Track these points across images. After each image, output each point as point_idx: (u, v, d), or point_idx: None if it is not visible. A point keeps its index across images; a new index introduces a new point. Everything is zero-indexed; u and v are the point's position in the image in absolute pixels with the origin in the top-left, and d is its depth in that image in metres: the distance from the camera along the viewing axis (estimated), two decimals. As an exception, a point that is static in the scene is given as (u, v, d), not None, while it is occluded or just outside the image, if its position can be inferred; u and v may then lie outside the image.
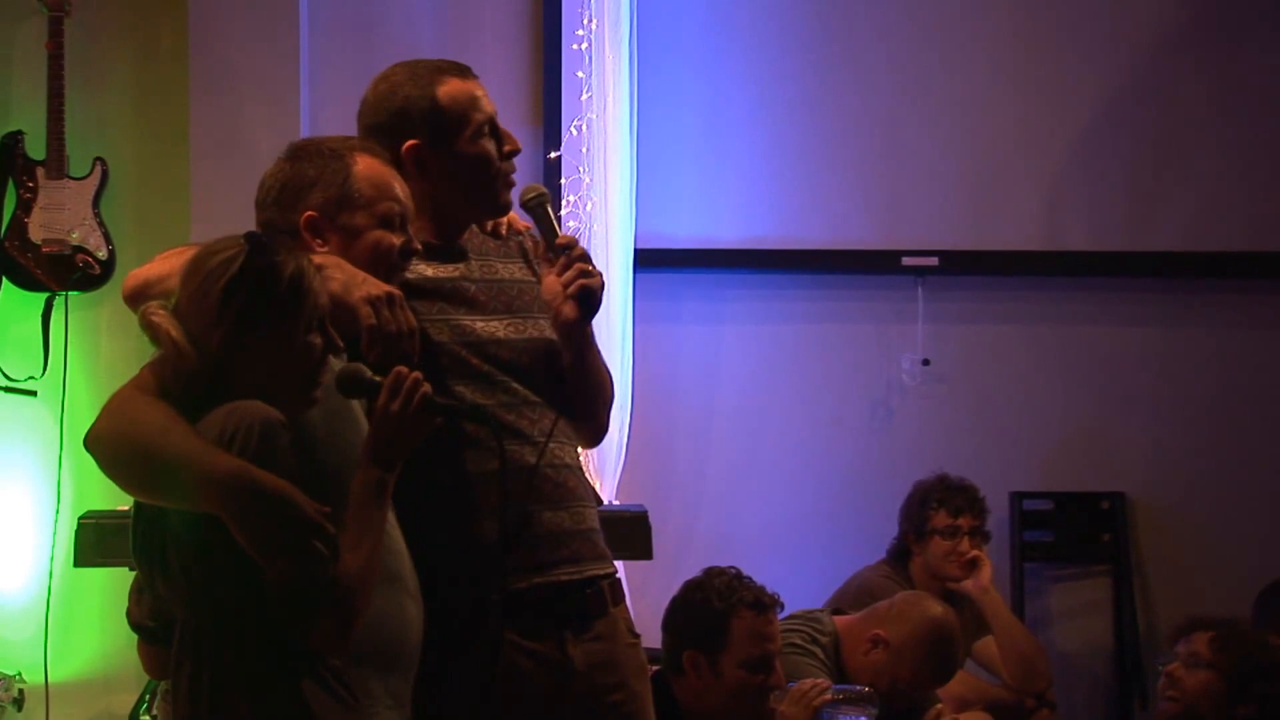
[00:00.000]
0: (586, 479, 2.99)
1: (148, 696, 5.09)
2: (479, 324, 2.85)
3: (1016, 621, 5.14)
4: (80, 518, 4.93)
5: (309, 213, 2.65)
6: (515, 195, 3.01)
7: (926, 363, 5.74)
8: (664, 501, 5.23)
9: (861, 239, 5.81)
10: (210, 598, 2.35)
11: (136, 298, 2.67)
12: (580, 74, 5.39)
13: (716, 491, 5.67)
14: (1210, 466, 5.84)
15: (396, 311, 2.58)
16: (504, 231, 3.01)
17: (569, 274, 2.87)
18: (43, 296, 5.48)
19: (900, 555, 5.13)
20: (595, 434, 3.04)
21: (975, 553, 5.01)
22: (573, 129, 5.36)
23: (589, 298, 2.88)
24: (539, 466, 2.83)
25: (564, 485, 2.87)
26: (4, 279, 5.49)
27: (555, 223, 2.95)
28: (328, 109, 5.66)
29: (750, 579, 3.88)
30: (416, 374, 2.48)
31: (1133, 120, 5.83)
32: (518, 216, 3.05)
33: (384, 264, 2.67)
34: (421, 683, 2.62)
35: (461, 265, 2.90)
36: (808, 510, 5.72)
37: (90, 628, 5.60)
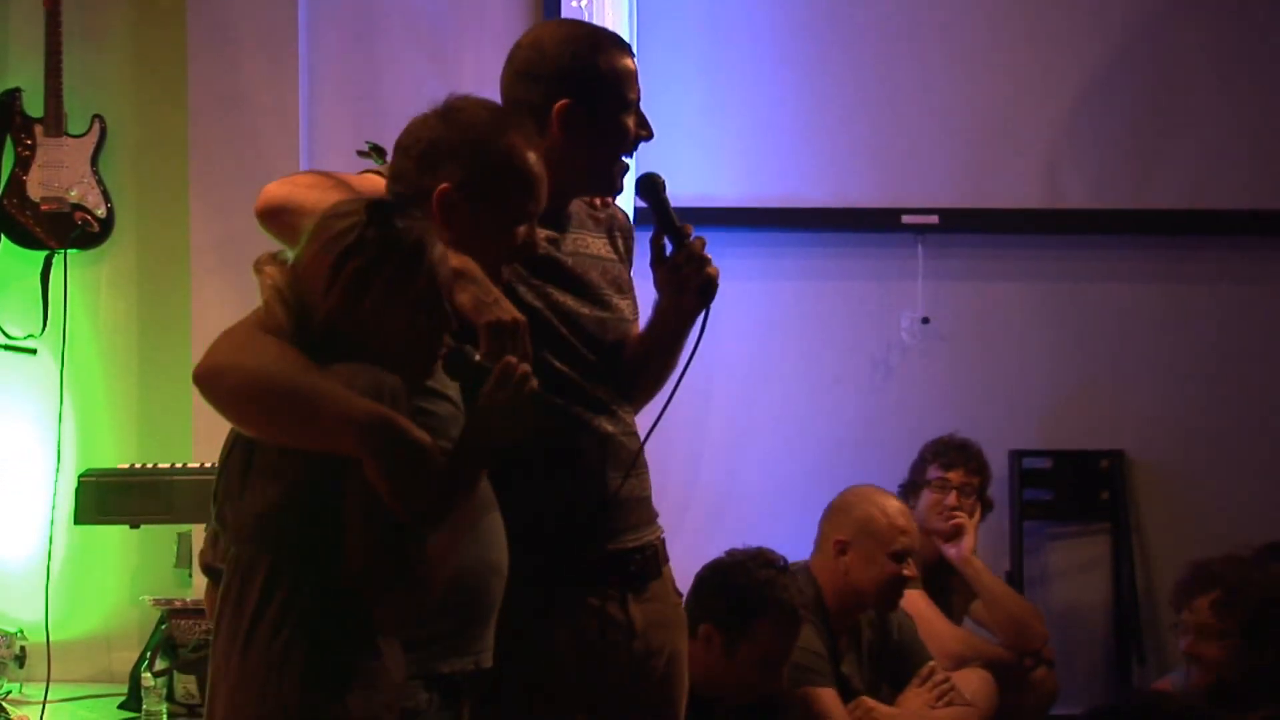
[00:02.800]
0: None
1: (149, 654, 5.11)
2: (569, 297, 2.85)
3: (1003, 586, 5.16)
4: (80, 476, 4.96)
5: (444, 185, 2.57)
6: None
7: (926, 321, 5.74)
8: (663, 460, 5.23)
9: (861, 197, 5.80)
10: (297, 544, 2.32)
11: (271, 217, 2.68)
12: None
13: (716, 450, 5.68)
14: (1210, 425, 5.84)
15: (518, 342, 2.57)
16: (599, 203, 3.00)
17: (694, 263, 2.89)
18: (42, 255, 5.48)
19: (899, 509, 5.16)
20: (636, 411, 3.05)
21: (959, 518, 5.02)
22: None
23: (710, 289, 2.90)
24: (618, 436, 2.87)
25: (635, 453, 2.91)
26: (3, 237, 5.49)
27: (671, 211, 2.94)
28: (326, 66, 5.64)
29: (793, 579, 3.89)
30: (526, 367, 2.44)
31: (1133, 77, 5.81)
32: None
33: (505, 256, 2.64)
34: (500, 642, 2.62)
35: (560, 234, 2.89)
36: (807, 468, 5.72)
37: (91, 585, 5.62)
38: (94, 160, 5.50)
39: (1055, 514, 5.86)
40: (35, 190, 5.44)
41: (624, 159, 2.91)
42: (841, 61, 5.81)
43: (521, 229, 2.63)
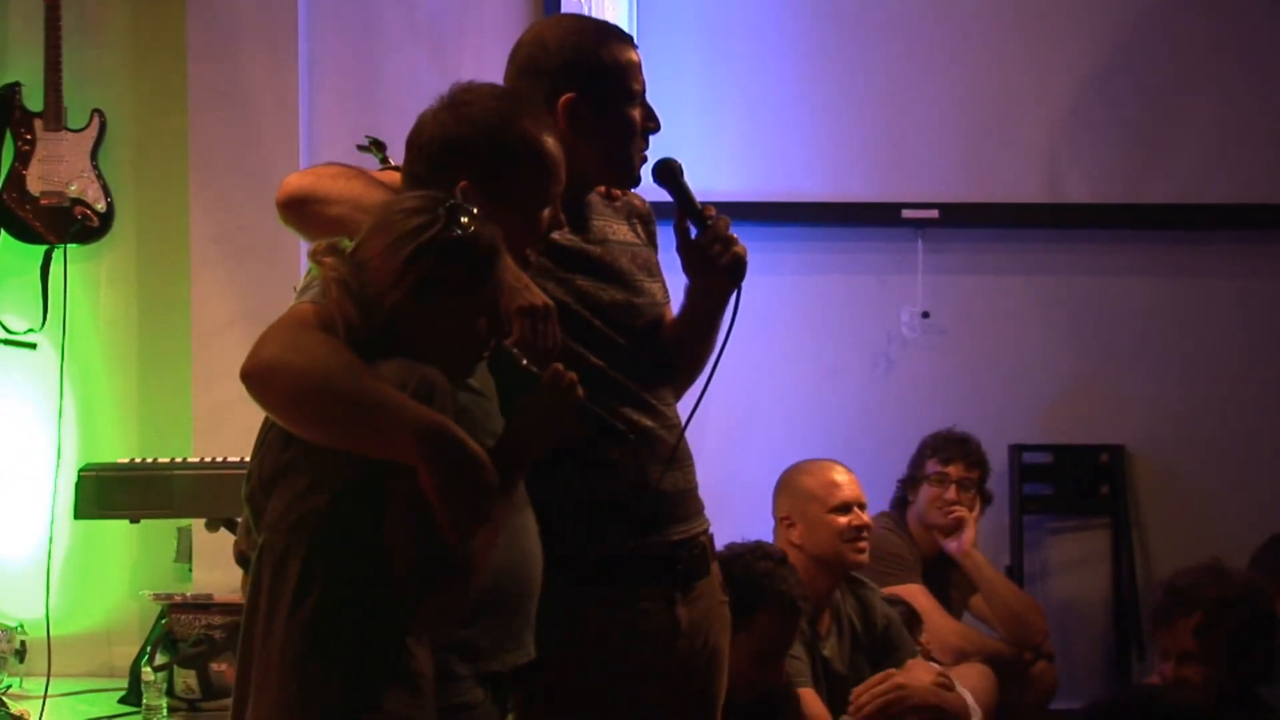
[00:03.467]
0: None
1: (149, 648, 5.11)
2: (601, 288, 2.84)
3: (1003, 580, 5.16)
4: (80, 471, 4.95)
5: (463, 183, 2.54)
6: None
7: (926, 315, 5.74)
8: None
9: (861, 191, 5.80)
10: (333, 548, 2.29)
11: (294, 207, 2.69)
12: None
13: (716, 443, 5.66)
14: (1210, 419, 5.84)
15: (548, 326, 2.56)
16: (616, 194, 2.99)
17: (718, 246, 2.88)
18: (41, 249, 5.47)
19: (898, 504, 5.17)
20: (679, 394, 3.03)
21: (959, 512, 5.02)
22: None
23: (741, 268, 2.89)
24: (657, 430, 2.86)
25: (676, 446, 2.89)
26: (2, 232, 5.49)
27: (691, 195, 2.93)
28: (326, 60, 5.64)
29: (792, 571, 3.87)
30: (572, 376, 2.43)
31: (1132, 72, 5.81)
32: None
33: (532, 243, 2.63)
34: (544, 639, 2.60)
35: (585, 226, 2.89)
36: (807, 462, 5.72)
37: (92, 580, 5.63)
38: (94, 155, 5.50)
39: (1055, 508, 5.87)
40: (35, 185, 5.44)
41: (641, 150, 2.90)
42: (841, 55, 5.81)
43: (545, 212, 2.62)
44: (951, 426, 5.18)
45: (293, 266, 5.39)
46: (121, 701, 5.17)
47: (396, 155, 4.34)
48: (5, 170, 5.47)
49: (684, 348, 2.96)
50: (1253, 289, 5.86)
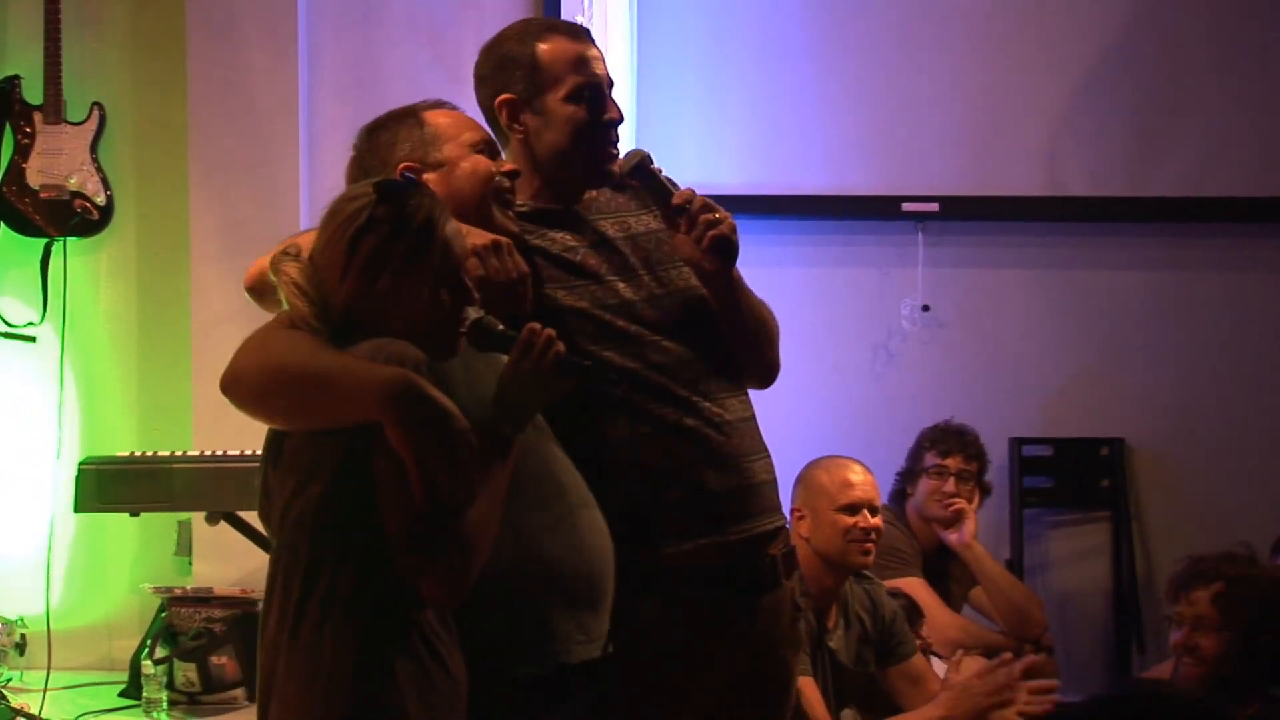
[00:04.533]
0: (755, 428, 2.89)
1: (149, 642, 5.11)
2: (620, 284, 2.80)
3: (1004, 572, 5.15)
4: (80, 464, 4.95)
5: (402, 165, 2.61)
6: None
7: (926, 308, 5.74)
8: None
9: (862, 185, 5.79)
10: (334, 536, 2.29)
11: (255, 290, 2.65)
12: (581, 18, 5.36)
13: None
14: (1210, 412, 5.84)
15: (504, 258, 2.55)
16: (635, 184, 2.92)
17: (698, 229, 2.79)
18: (41, 242, 5.47)
19: (897, 497, 5.16)
20: (765, 373, 2.94)
21: (959, 504, 5.02)
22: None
23: (725, 245, 2.80)
24: (701, 428, 2.77)
25: (727, 442, 2.80)
26: (2, 225, 5.49)
27: (666, 182, 2.87)
28: (326, 53, 5.64)
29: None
30: (550, 332, 2.44)
31: (1133, 65, 5.81)
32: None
33: (488, 187, 2.65)
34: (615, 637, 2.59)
35: (582, 229, 2.85)
36: (807, 456, 5.70)
37: (92, 573, 5.63)
38: (93, 147, 5.50)
39: (1055, 501, 5.87)
40: (35, 178, 5.44)
41: (603, 144, 2.84)
42: (842, 49, 5.81)
43: (481, 161, 2.68)
44: (949, 418, 5.18)
45: (293, 260, 5.40)
46: (122, 695, 5.17)
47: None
48: (5, 163, 5.46)
49: (733, 336, 2.88)
50: (1252, 282, 5.86)
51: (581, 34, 2.90)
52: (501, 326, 2.47)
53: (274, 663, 2.33)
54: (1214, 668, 3.79)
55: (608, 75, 2.88)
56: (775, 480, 2.90)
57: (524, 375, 2.42)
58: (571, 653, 2.49)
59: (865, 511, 4.22)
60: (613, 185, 2.92)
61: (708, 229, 2.79)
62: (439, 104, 2.76)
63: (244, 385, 2.36)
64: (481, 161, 2.68)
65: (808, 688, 4.06)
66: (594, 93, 2.83)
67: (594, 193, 2.90)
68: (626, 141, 5.20)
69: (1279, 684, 3.79)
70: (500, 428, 2.38)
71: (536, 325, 2.44)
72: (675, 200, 2.83)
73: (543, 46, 2.82)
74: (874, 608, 4.34)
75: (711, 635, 2.76)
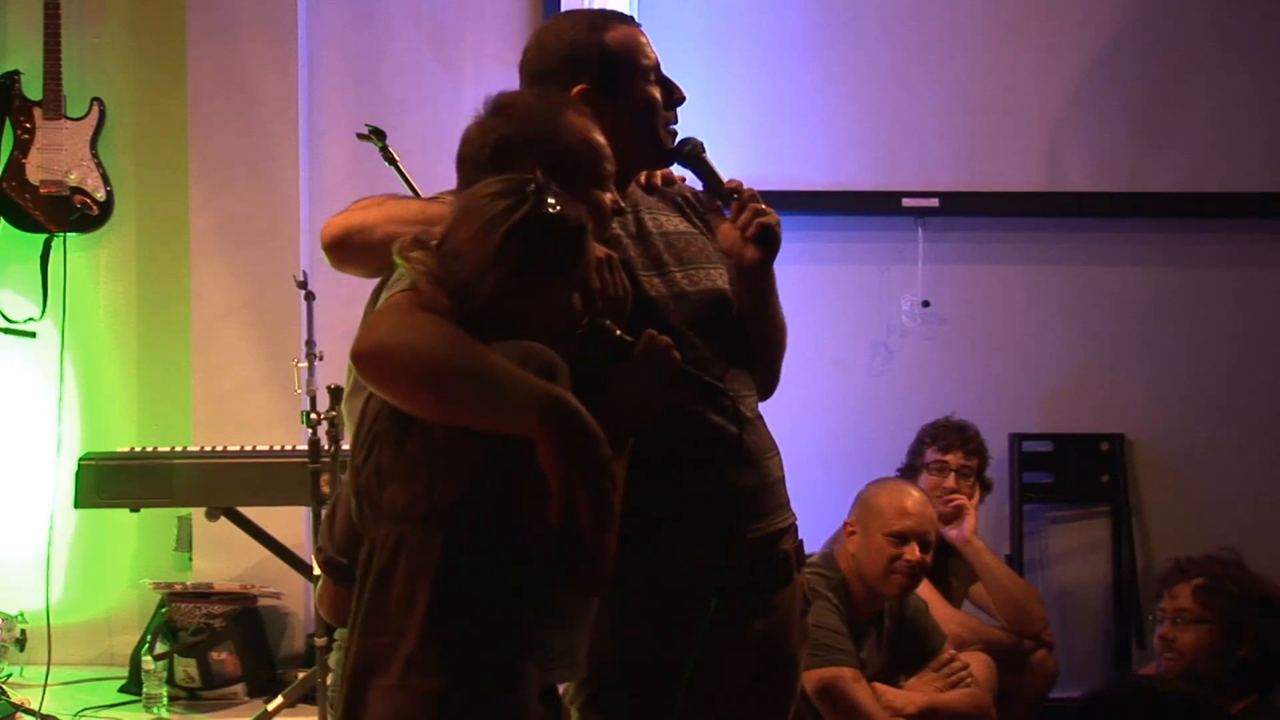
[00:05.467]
0: (766, 426, 2.92)
1: (149, 637, 5.11)
2: (656, 279, 2.80)
3: (1004, 568, 5.16)
4: (81, 459, 4.96)
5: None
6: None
7: (926, 304, 5.74)
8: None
9: (862, 180, 5.79)
10: (473, 532, 2.29)
11: (341, 245, 2.68)
12: (579, 14, 5.37)
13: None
14: (1210, 408, 5.84)
15: (617, 273, 2.56)
16: (659, 183, 2.95)
17: (745, 216, 2.83)
18: (41, 238, 5.48)
19: (898, 493, 5.16)
20: (769, 384, 2.96)
21: (959, 500, 5.02)
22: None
23: (769, 237, 2.83)
24: (726, 426, 2.77)
25: (750, 440, 2.82)
26: (2, 220, 5.49)
27: (716, 169, 2.90)
28: (326, 50, 5.63)
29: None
30: (668, 340, 2.45)
31: (1133, 61, 5.80)
32: (670, 169, 2.99)
33: (601, 223, 2.63)
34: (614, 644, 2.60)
35: (632, 219, 2.85)
36: (808, 452, 5.71)
37: (92, 568, 5.63)
38: (93, 143, 5.50)
39: (1055, 497, 5.86)
40: (34, 173, 5.44)
41: (668, 125, 2.87)
42: (842, 44, 5.80)
43: (606, 196, 2.63)
44: (950, 414, 5.18)
45: (292, 255, 5.40)
46: (122, 690, 5.18)
47: (396, 144, 4.35)
48: (4, 159, 5.46)
49: (752, 330, 2.89)
50: (1253, 277, 5.86)
51: (632, 20, 2.93)
52: (619, 332, 2.48)
53: (386, 648, 2.31)
54: (1191, 662, 3.81)
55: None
56: (785, 477, 2.91)
57: (642, 382, 2.43)
58: (555, 674, 2.48)
59: (915, 544, 4.21)
60: (650, 189, 2.93)
61: (756, 216, 2.82)
62: (578, 105, 2.68)
63: (392, 363, 2.31)
64: (602, 201, 2.62)
65: (852, 678, 4.08)
66: (659, 74, 2.88)
67: (630, 189, 2.91)
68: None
69: (1266, 678, 3.81)
70: (615, 432, 2.37)
71: (655, 332, 2.47)
72: (728, 185, 2.86)
73: (611, 36, 2.84)
74: (900, 607, 4.35)
75: (727, 633, 2.75)
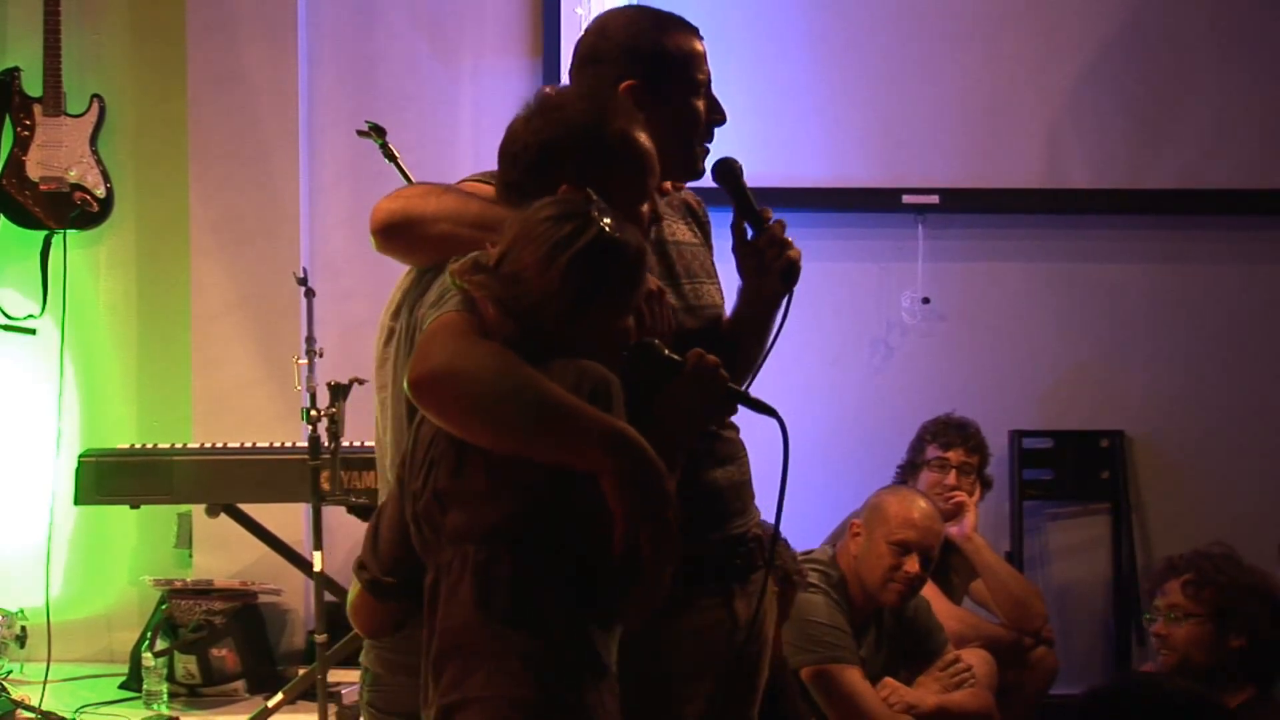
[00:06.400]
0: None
1: (149, 634, 5.12)
2: (670, 291, 2.77)
3: (1004, 565, 5.16)
4: (81, 456, 4.95)
5: (564, 185, 2.52)
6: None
7: (926, 301, 5.74)
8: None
9: (862, 177, 5.79)
10: (534, 554, 2.29)
11: (395, 233, 2.64)
12: (580, 11, 5.36)
13: (716, 430, 5.68)
14: (1210, 404, 5.84)
15: (663, 308, 2.56)
16: (669, 188, 2.93)
17: (773, 250, 2.85)
18: (41, 235, 5.48)
19: (898, 490, 5.17)
20: None
21: (959, 497, 5.02)
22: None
23: (793, 273, 2.87)
24: (718, 431, 2.82)
25: (731, 442, 2.88)
26: (2, 217, 5.49)
27: (750, 193, 2.90)
28: (326, 47, 5.63)
29: (785, 544, 3.84)
30: (716, 359, 2.47)
31: (1133, 58, 5.80)
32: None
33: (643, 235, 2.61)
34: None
35: (653, 226, 2.81)
36: (807, 449, 5.65)
37: (92, 565, 5.63)
38: (93, 140, 5.50)
39: (1055, 494, 5.87)
40: (34, 170, 5.44)
41: (703, 143, 2.87)
42: (842, 41, 5.80)
43: (645, 207, 2.61)
44: (950, 412, 5.18)
45: (292, 251, 5.40)
46: (122, 687, 5.18)
47: (395, 140, 4.35)
48: (4, 156, 5.46)
49: (739, 350, 2.91)
50: (1253, 274, 5.86)
51: (696, 31, 2.92)
52: (667, 352, 2.48)
53: (447, 666, 2.32)
54: (1186, 656, 3.82)
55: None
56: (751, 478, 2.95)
57: (688, 400, 2.44)
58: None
59: (915, 556, 4.22)
60: (662, 192, 2.93)
61: (785, 248, 2.86)
62: (628, 112, 2.65)
63: (453, 391, 2.30)
64: (648, 213, 2.61)
65: (854, 675, 4.08)
66: (708, 90, 2.88)
67: None
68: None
69: (1263, 668, 3.82)
70: (665, 452, 2.36)
71: (702, 351, 2.48)
72: (763, 214, 2.86)
73: (672, 41, 2.84)
74: (899, 611, 4.35)
75: (706, 630, 2.77)
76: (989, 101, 5.81)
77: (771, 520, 3.87)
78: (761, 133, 5.75)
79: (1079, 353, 5.85)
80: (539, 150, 2.53)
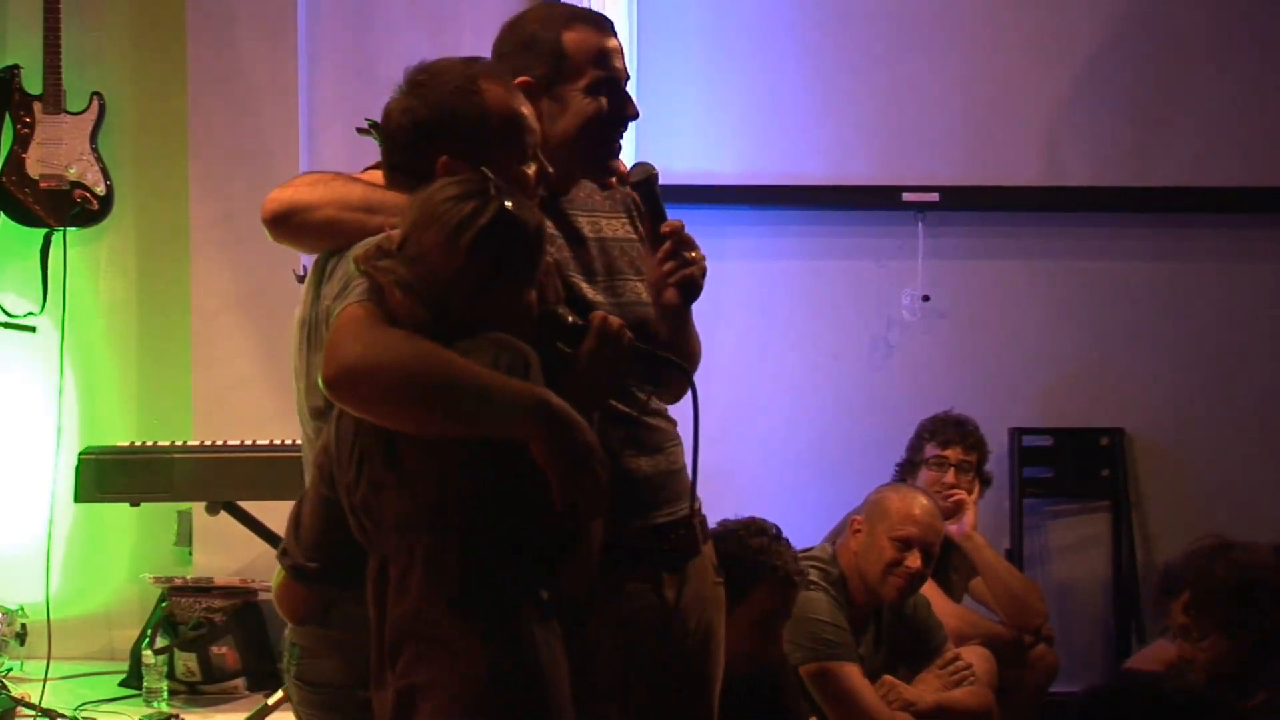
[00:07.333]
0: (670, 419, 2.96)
1: (149, 631, 5.12)
2: (584, 285, 2.78)
3: (1004, 563, 5.16)
4: (81, 454, 4.95)
5: (443, 158, 2.55)
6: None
7: (927, 299, 5.74)
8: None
9: (862, 174, 5.79)
10: (463, 532, 2.34)
11: (281, 222, 2.67)
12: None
13: (716, 427, 5.62)
14: (1210, 402, 5.84)
15: (551, 280, 2.59)
16: (613, 183, 2.92)
17: (671, 263, 2.79)
18: (41, 232, 5.47)
19: (897, 487, 5.16)
20: (675, 396, 2.96)
21: (959, 495, 5.02)
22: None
23: (690, 288, 2.81)
24: (640, 418, 2.81)
25: (659, 431, 2.86)
26: (2, 215, 5.48)
27: (661, 206, 2.86)
28: (325, 44, 5.63)
29: (787, 544, 3.84)
30: (619, 320, 2.52)
31: (1134, 55, 5.80)
32: (624, 166, 2.94)
33: (528, 196, 2.61)
34: None
35: (566, 221, 2.83)
36: (807, 446, 5.72)
37: (92, 563, 5.63)
38: (93, 138, 5.49)
39: (1055, 491, 5.87)
40: (34, 168, 5.43)
41: (613, 140, 2.84)
42: (843, 38, 5.80)
43: (530, 169, 2.62)
44: (949, 409, 5.18)
45: (291, 250, 5.39)
46: (122, 684, 5.18)
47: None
48: (4, 153, 5.46)
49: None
50: (1253, 272, 5.86)
51: (606, 26, 2.87)
52: (571, 318, 2.52)
53: (427, 649, 2.35)
54: (1214, 673, 3.81)
55: (625, 70, 2.87)
56: (685, 466, 2.91)
57: (600, 362, 2.49)
58: None
59: (917, 551, 4.22)
60: (605, 186, 2.91)
61: (682, 266, 2.79)
62: (496, 72, 2.66)
63: (371, 383, 2.33)
64: (524, 174, 2.61)
65: (853, 673, 4.09)
66: (613, 88, 2.83)
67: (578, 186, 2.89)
68: (628, 133, 5.23)
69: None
70: (584, 412, 2.42)
71: (603, 313, 2.53)
72: (663, 229, 2.81)
73: (569, 35, 2.80)
74: (898, 609, 4.35)
75: (641, 617, 2.77)
76: (990, 99, 5.82)
77: (750, 515, 3.92)
78: (762, 130, 5.76)
79: (1079, 350, 5.86)
80: (413, 129, 2.58)
